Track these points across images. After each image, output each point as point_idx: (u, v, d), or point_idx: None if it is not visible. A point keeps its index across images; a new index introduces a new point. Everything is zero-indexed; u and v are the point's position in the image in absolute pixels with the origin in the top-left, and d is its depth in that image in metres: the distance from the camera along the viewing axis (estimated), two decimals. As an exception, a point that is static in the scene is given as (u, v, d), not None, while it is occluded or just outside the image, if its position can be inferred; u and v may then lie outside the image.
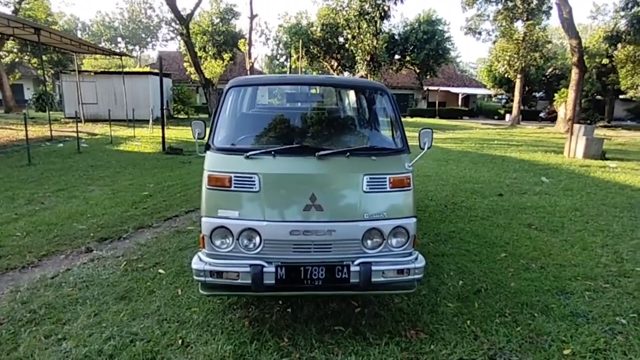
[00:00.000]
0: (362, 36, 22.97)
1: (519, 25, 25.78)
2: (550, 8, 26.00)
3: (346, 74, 37.13)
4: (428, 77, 36.52)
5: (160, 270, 3.67)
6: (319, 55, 34.75)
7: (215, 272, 2.53)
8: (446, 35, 34.51)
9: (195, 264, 2.57)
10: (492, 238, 4.76)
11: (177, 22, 21.18)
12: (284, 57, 65.97)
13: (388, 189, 2.69)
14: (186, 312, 2.99)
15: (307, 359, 2.51)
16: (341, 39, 33.09)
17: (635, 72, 24.30)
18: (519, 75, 25.46)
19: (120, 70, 21.00)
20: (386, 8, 22.12)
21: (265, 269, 2.50)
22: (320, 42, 33.39)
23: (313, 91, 3.18)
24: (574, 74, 20.38)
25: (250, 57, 23.64)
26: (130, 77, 20.79)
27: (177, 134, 15.06)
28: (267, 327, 2.80)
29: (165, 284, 3.43)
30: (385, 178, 2.70)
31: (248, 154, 2.68)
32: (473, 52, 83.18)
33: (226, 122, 2.96)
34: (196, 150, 3.01)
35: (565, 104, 21.56)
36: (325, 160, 2.72)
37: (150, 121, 15.69)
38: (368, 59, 23.56)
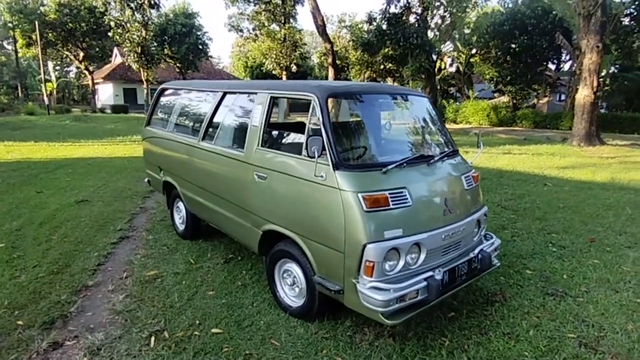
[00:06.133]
0: (129, 25, 20.41)
1: (275, 26, 28.73)
2: (297, 13, 30.15)
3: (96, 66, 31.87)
4: (190, 72, 35.70)
5: (215, 330, 2.87)
6: (57, 42, 28.44)
7: (398, 297, 2.41)
8: (204, 30, 34.52)
9: (380, 295, 2.36)
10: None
11: None
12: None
13: (473, 185, 3.17)
14: (316, 356, 2.60)
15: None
16: (83, 24, 28.11)
17: (362, 71, 31.58)
18: (284, 72, 28.53)
19: None
20: (155, -4, 20.38)
21: (437, 277, 2.57)
22: (57, 26, 27.36)
23: (393, 100, 3.18)
24: (331, 73, 24.59)
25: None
26: None
27: None
28: (400, 351, 2.82)
29: (245, 344, 2.75)
30: (469, 175, 3.16)
31: (387, 168, 2.60)
32: (215, 48, 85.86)
33: (337, 136, 2.67)
34: (314, 172, 2.56)
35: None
36: (435, 166, 2.94)
37: None
38: (139, 51, 21.21)
